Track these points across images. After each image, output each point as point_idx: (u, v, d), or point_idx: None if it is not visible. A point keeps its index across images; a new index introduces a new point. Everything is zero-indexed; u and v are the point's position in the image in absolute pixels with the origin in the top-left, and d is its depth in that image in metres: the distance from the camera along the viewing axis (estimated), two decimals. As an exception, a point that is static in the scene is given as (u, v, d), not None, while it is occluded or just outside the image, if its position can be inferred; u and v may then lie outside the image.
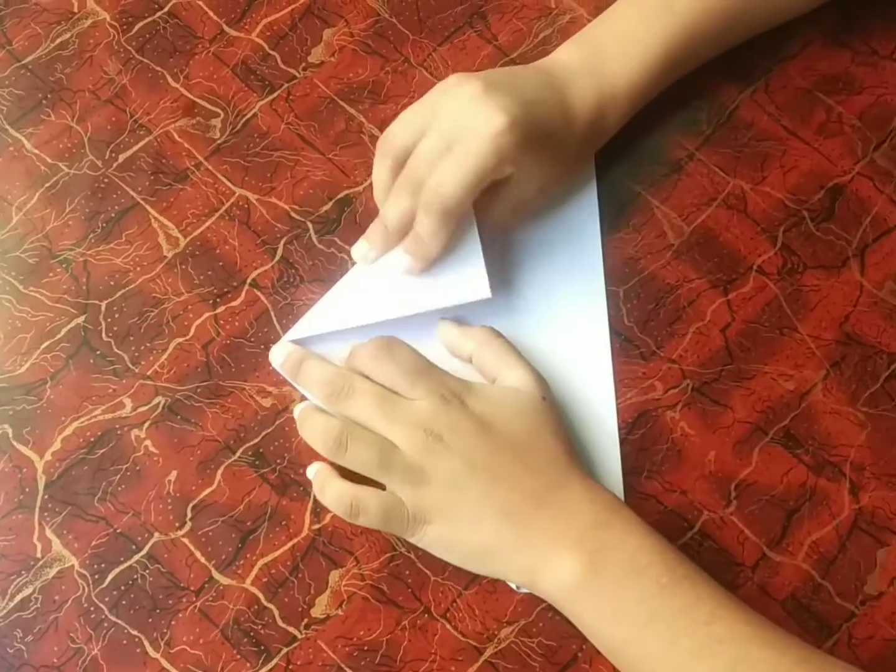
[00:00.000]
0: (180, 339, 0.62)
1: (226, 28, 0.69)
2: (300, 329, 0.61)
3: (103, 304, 0.63)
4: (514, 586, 0.58)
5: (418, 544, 0.56)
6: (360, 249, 0.60)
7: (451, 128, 0.57)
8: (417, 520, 0.55)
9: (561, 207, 0.65)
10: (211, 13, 0.70)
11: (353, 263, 0.63)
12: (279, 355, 0.60)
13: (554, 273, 0.64)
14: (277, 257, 0.64)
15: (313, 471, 0.58)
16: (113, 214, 0.64)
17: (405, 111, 0.59)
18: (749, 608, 0.52)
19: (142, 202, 0.65)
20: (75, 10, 0.69)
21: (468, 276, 0.60)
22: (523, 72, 0.62)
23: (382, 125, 0.67)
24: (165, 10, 0.70)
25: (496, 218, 0.62)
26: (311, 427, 0.57)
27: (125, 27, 0.69)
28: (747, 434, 0.61)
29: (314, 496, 0.59)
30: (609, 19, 0.64)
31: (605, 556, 0.53)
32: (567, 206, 0.65)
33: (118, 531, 0.58)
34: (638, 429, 0.61)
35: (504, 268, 0.63)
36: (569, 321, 0.63)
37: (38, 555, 0.58)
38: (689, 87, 0.67)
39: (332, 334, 0.60)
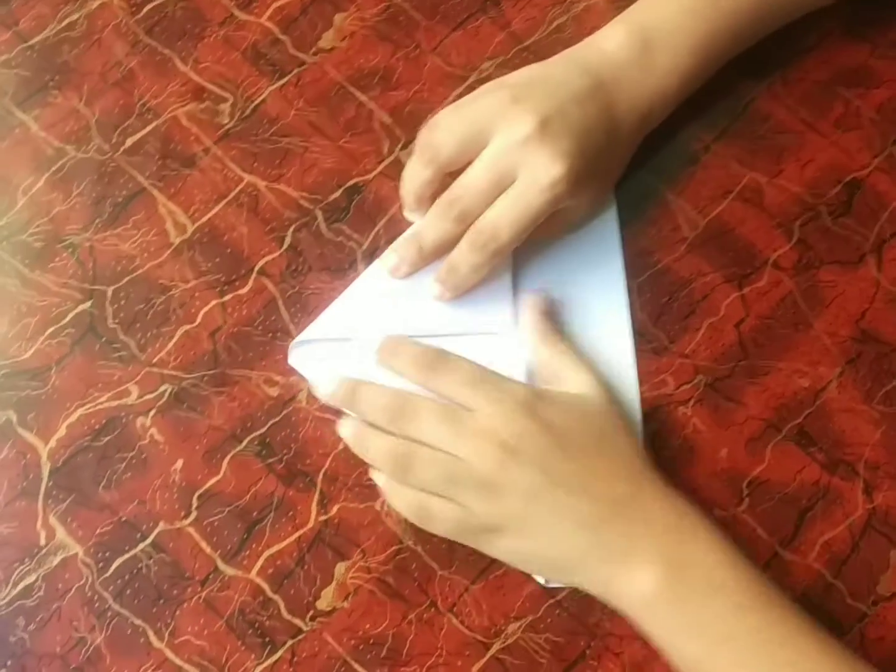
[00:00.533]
0: (187, 327, 0.61)
1: (236, 11, 0.68)
2: (316, 330, 0.60)
3: (110, 290, 0.62)
4: (541, 580, 0.57)
5: (492, 555, 0.56)
6: (389, 262, 0.59)
7: (505, 164, 0.56)
8: (490, 532, 0.54)
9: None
10: (221, -4, 0.69)
11: (362, 252, 0.63)
12: (327, 387, 0.58)
13: (574, 269, 0.63)
14: (286, 245, 0.63)
15: (382, 478, 0.57)
16: (120, 199, 0.64)
17: (449, 117, 0.58)
18: (826, 632, 0.51)
19: (149, 187, 0.64)
20: (84, -10, 0.68)
21: (495, 309, 0.60)
22: (567, 77, 0.59)
23: (393, 112, 0.66)
24: (175, -9, 0.69)
25: (545, 238, 0.61)
26: (373, 449, 0.56)
27: (134, 9, 0.68)
28: (760, 431, 0.60)
29: (321, 489, 0.58)
30: (653, 8, 0.61)
31: (682, 570, 0.52)
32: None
33: (123, 519, 0.57)
34: (649, 424, 0.60)
35: (522, 263, 0.62)
36: (590, 317, 0.62)
37: (42, 542, 0.57)
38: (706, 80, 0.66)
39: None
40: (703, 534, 0.53)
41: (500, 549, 0.55)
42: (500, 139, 0.56)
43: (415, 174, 0.59)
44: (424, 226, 0.58)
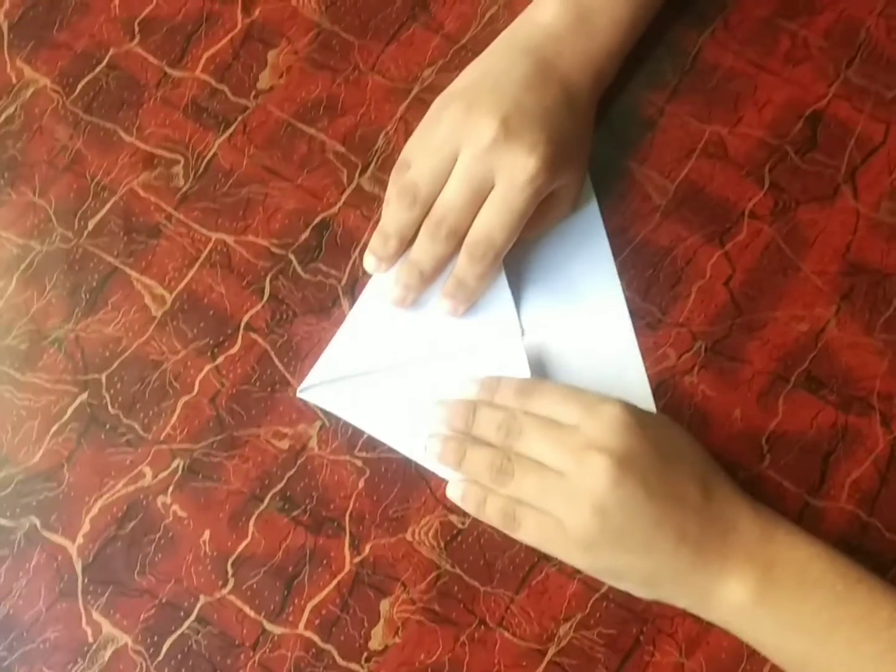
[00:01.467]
0: (186, 398, 0.61)
1: (168, 70, 0.68)
2: (324, 370, 0.61)
3: (103, 377, 0.62)
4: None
5: (586, 571, 0.56)
6: (394, 294, 0.59)
7: (479, 173, 0.56)
8: (583, 547, 0.53)
9: None
10: (150, 58, 0.68)
11: (342, 287, 0.63)
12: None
13: (564, 259, 0.63)
14: (266, 296, 0.63)
15: (457, 490, 0.57)
16: (94, 284, 0.63)
17: (415, 150, 0.59)
18: None
19: (120, 266, 0.64)
20: (14, 80, 0.68)
21: (498, 316, 0.61)
22: (511, 65, 0.58)
23: (344, 139, 0.66)
24: (104, 63, 0.68)
25: (545, 228, 0.62)
26: (472, 459, 0.56)
27: (67, 89, 0.67)
28: (769, 385, 0.60)
29: (350, 531, 0.58)
30: None
31: (776, 571, 0.52)
32: None
33: (164, 601, 0.58)
34: (658, 399, 0.60)
35: (514, 265, 0.62)
36: (587, 305, 0.62)
37: (90, 639, 0.57)
38: (647, 38, 0.65)
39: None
40: (787, 531, 0.53)
41: (597, 564, 0.54)
42: (467, 151, 0.57)
43: (401, 218, 0.58)
44: (419, 251, 0.58)
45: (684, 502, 0.53)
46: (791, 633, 0.52)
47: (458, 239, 0.58)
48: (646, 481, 0.52)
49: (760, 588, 0.52)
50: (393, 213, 0.59)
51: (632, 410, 0.54)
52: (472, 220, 0.57)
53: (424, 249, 0.58)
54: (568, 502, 0.53)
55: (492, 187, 0.57)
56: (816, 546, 0.53)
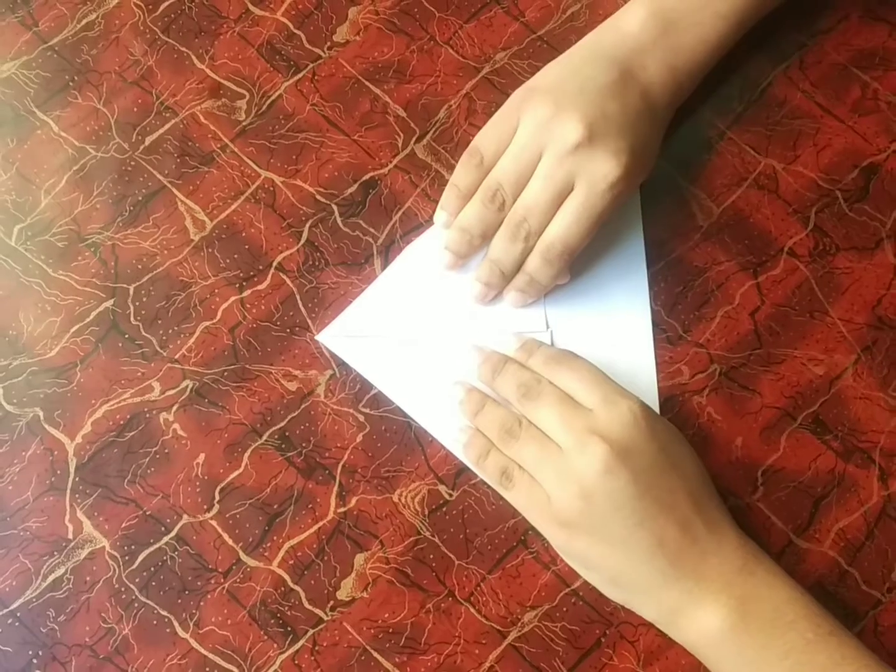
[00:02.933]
0: (207, 323, 0.62)
1: (251, 7, 0.69)
2: (352, 317, 0.62)
3: (131, 288, 0.63)
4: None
5: (559, 551, 0.57)
6: (475, 290, 0.61)
7: (561, 176, 0.58)
8: (565, 526, 0.54)
9: None
10: (236, -8, 0.69)
11: (378, 246, 0.63)
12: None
13: (599, 260, 0.63)
14: (303, 240, 0.64)
15: (463, 437, 0.59)
16: (140, 198, 0.65)
17: (493, 140, 0.60)
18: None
19: (168, 185, 0.65)
20: (101, -10, 0.69)
21: (527, 309, 0.62)
22: (596, 73, 0.59)
23: (407, 105, 0.66)
24: (191, -11, 0.69)
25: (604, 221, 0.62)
26: (486, 414, 0.58)
27: (150, 7, 0.69)
28: (775, 419, 0.60)
29: (340, 481, 0.59)
30: None
31: (752, 606, 0.52)
32: None
33: (148, 513, 0.59)
34: (664, 413, 0.61)
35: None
36: (613, 307, 0.62)
37: (70, 536, 0.59)
38: (721, 63, 0.66)
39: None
40: (769, 569, 0.53)
41: (571, 547, 0.55)
42: (552, 152, 0.58)
43: (485, 217, 0.60)
44: (497, 251, 0.60)
45: (672, 512, 0.53)
46: (754, 670, 0.52)
47: (535, 239, 0.59)
48: (638, 479, 0.53)
49: (732, 620, 0.51)
50: (477, 212, 0.60)
51: (648, 412, 0.55)
52: (548, 221, 0.59)
53: (503, 249, 0.60)
54: (559, 478, 0.54)
55: (571, 190, 0.58)
56: (795, 591, 0.53)
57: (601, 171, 0.57)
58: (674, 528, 0.53)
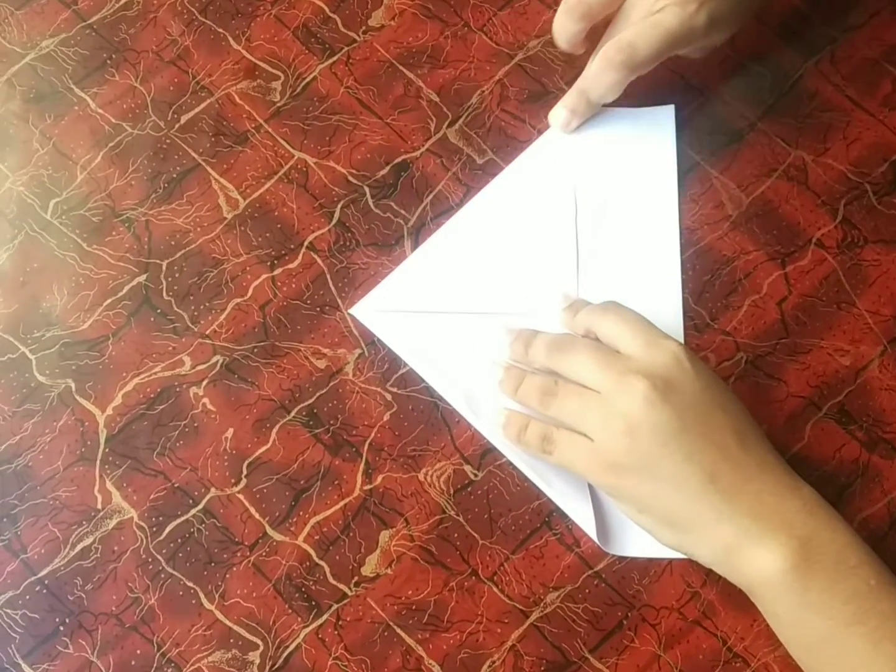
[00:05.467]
0: (238, 300, 0.63)
1: (287, -10, 0.70)
2: (385, 292, 0.63)
3: (164, 264, 0.64)
4: (610, 549, 0.58)
5: (611, 496, 0.55)
6: (560, 117, 0.64)
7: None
8: (615, 468, 0.53)
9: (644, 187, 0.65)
10: (273, -25, 0.70)
11: (409, 228, 0.64)
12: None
13: (634, 239, 0.64)
14: (334, 221, 0.64)
15: (500, 418, 0.59)
16: (174, 175, 0.65)
17: None
18: None
19: (203, 163, 0.66)
20: (140, -30, 0.70)
21: (559, 286, 0.63)
22: None
23: (441, 90, 0.67)
24: (228, -29, 0.70)
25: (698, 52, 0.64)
26: (525, 385, 0.58)
27: (188, -12, 0.70)
28: (801, 409, 0.61)
29: (366, 459, 0.60)
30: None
31: (815, 547, 0.50)
32: (647, 176, 0.65)
33: (176, 485, 0.60)
34: (690, 400, 0.61)
35: (584, 239, 0.64)
36: (644, 292, 0.63)
37: (99, 506, 0.59)
38: (752, 55, 0.66)
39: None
40: (830, 513, 0.52)
41: (623, 492, 0.53)
42: None
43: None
44: (588, 81, 0.62)
45: (721, 447, 0.52)
46: (814, 614, 0.50)
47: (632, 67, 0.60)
48: (683, 414, 0.51)
49: (795, 560, 0.50)
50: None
51: (691, 354, 0.54)
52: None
53: (597, 77, 0.61)
54: (602, 420, 0.53)
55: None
56: (855, 536, 0.51)
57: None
58: (725, 464, 0.51)
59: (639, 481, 0.52)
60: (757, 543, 0.50)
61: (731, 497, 0.51)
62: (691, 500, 0.51)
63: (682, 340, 0.62)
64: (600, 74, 0.61)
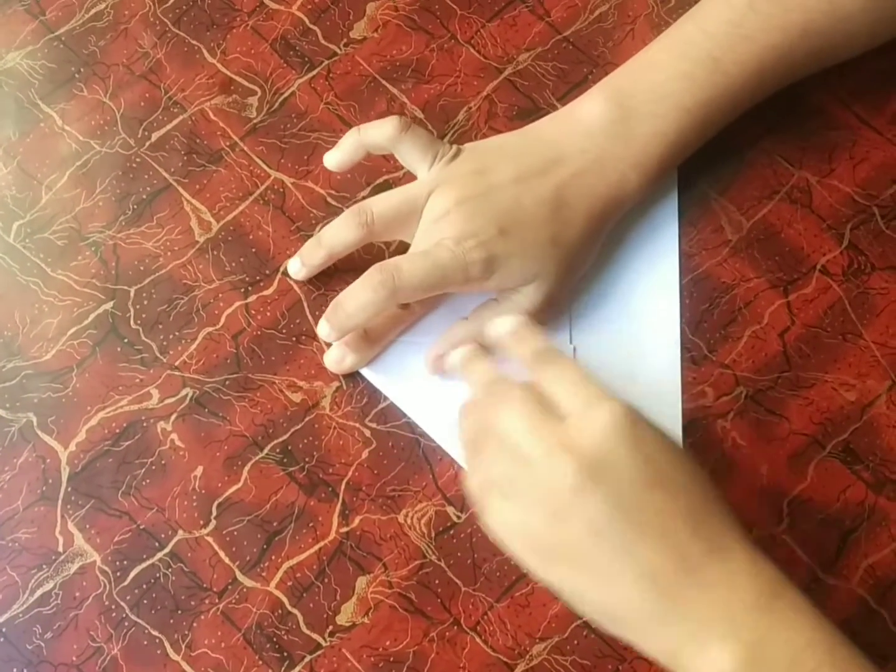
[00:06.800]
0: (210, 329, 0.60)
1: (266, 0, 0.66)
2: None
3: (132, 290, 0.60)
4: None
5: (538, 578, 0.49)
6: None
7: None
8: (545, 557, 0.48)
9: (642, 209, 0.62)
10: (250, -16, 0.67)
11: (390, 253, 0.61)
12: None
13: (631, 270, 0.61)
14: (312, 245, 0.61)
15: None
16: (144, 196, 0.62)
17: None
18: None
19: (174, 184, 0.62)
20: (111, -22, 0.67)
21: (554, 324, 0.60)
22: (525, 151, 0.57)
23: (425, 106, 0.64)
24: (203, -20, 0.67)
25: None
26: (464, 422, 0.53)
27: (162, -2, 0.66)
28: (803, 447, 0.58)
29: (343, 499, 0.56)
30: (645, 70, 0.59)
31: (766, 653, 0.44)
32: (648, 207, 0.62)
33: (141, 527, 0.56)
34: (686, 437, 0.58)
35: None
36: (643, 324, 0.60)
37: (60, 549, 0.56)
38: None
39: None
40: (791, 603, 0.46)
41: (547, 576, 0.48)
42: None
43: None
44: (348, 292, 0.56)
45: (662, 535, 0.45)
46: None
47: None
48: (618, 498, 0.45)
49: (744, 667, 0.44)
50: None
51: (633, 417, 0.47)
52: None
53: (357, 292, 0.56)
54: (529, 496, 0.47)
55: None
56: (818, 631, 0.45)
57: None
58: (665, 557, 0.45)
59: (570, 572, 0.47)
60: (701, 649, 0.45)
61: (674, 596, 0.45)
62: (629, 599, 0.46)
63: (678, 373, 0.58)
64: (357, 290, 0.55)
